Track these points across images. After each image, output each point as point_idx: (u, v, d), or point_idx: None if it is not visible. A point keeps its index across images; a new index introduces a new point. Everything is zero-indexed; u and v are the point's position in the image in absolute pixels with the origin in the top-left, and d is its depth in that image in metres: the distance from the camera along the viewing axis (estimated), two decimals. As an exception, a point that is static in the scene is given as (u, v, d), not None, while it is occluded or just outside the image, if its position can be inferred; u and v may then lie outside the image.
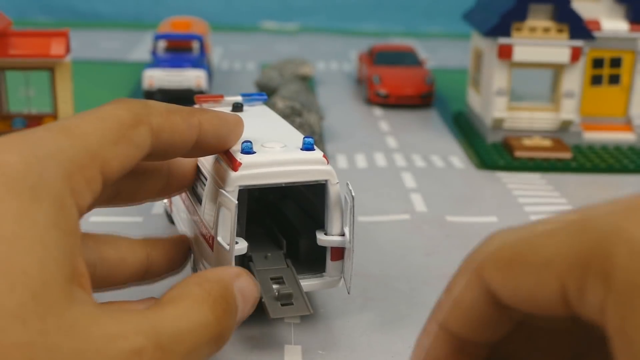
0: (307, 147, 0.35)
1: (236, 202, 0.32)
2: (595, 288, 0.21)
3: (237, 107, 0.41)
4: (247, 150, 0.34)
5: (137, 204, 0.36)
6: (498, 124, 0.66)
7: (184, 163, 0.36)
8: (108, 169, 0.28)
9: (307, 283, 0.36)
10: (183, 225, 0.41)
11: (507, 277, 0.23)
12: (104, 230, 0.35)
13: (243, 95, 0.43)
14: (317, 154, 0.34)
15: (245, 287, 0.31)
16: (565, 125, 0.66)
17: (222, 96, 0.42)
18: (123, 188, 0.33)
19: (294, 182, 0.34)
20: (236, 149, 0.34)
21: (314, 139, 0.35)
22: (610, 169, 0.62)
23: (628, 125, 0.68)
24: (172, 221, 0.45)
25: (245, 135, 0.35)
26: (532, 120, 0.67)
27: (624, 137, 0.68)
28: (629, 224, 0.20)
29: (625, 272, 0.20)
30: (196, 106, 0.41)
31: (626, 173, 0.62)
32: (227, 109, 0.41)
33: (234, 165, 0.33)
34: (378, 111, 0.78)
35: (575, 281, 0.21)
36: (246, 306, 0.31)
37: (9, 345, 0.22)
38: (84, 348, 0.23)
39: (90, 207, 0.28)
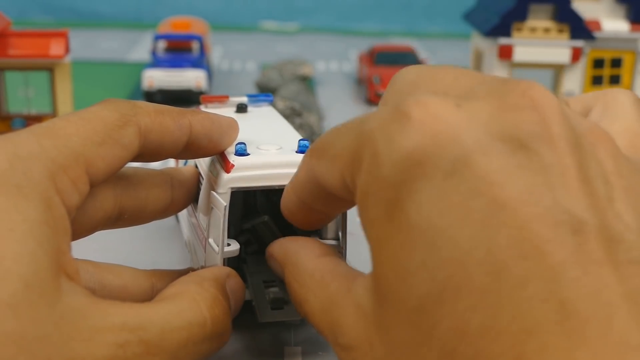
0: (302, 150, 0.34)
1: (225, 203, 0.32)
2: (352, 181, 0.25)
3: (242, 108, 0.41)
4: (241, 152, 0.34)
5: (144, 223, 0.35)
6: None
7: (187, 177, 0.36)
8: (94, 170, 0.28)
9: None
10: (184, 226, 0.41)
11: (317, 167, 0.27)
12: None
13: (249, 96, 0.42)
14: None
15: (234, 287, 0.31)
16: (565, 126, 0.66)
17: (227, 97, 0.42)
18: (127, 208, 0.33)
19: (287, 185, 0.34)
20: (230, 150, 0.34)
21: (309, 142, 0.35)
22: (610, 170, 0.62)
23: (628, 125, 0.68)
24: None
25: (244, 137, 0.35)
26: (533, 120, 0.66)
27: (625, 137, 0.67)
28: (377, 134, 0.23)
29: (364, 176, 0.23)
30: (201, 106, 0.41)
31: (627, 173, 0.62)
32: (232, 110, 0.41)
33: (227, 167, 0.33)
34: (378, 111, 0.78)
35: (347, 174, 0.25)
36: (236, 307, 0.31)
37: (0, 335, 0.22)
38: (71, 339, 0.24)
39: (77, 208, 0.28)
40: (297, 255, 0.30)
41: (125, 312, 0.26)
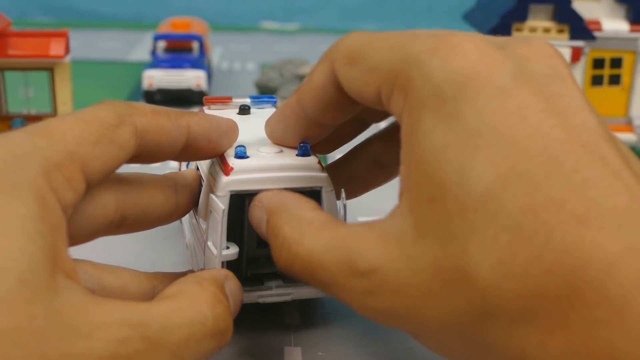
0: (302, 153, 0.34)
1: (223, 206, 0.32)
2: (398, 97, 0.27)
3: (244, 110, 0.41)
4: (241, 154, 0.33)
5: (148, 229, 0.35)
6: (498, 124, 0.66)
7: (190, 180, 0.36)
8: (89, 169, 0.28)
9: (303, 291, 0.35)
10: (186, 228, 0.41)
11: (347, 72, 0.30)
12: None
13: (252, 97, 0.42)
14: (312, 160, 0.34)
15: (233, 288, 0.31)
16: (565, 126, 0.66)
17: (230, 98, 0.42)
18: (129, 214, 0.33)
19: (287, 188, 0.33)
20: (230, 153, 0.34)
21: (309, 144, 0.35)
22: (610, 170, 0.62)
23: (629, 125, 0.68)
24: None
25: (245, 139, 0.35)
26: (533, 120, 0.66)
27: (625, 137, 0.67)
28: (428, 57, 0.26)
29: (417, 92, 0.26)
30: (204, 108, 0.41)
31: (627, 174, 0.62)
32: (235, 111, 0.41)
33: (226, 169, 0.33)
34: (378, 111, 0.78)
35: (385, 88, 0.28)
36: (234, 308, 0.31)
37: None
38: (69, 335, 0.23)
39: (74, 207, 0.28)
40: (290, 205, 0.31)
41: (125, 309, 0.25)
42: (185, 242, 0.41)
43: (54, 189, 0.27)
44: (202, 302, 0.28)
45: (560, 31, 0.64)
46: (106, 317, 0.25)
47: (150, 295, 0.33)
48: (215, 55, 1.01)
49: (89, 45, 1.06)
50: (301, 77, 0.80)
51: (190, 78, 0.75)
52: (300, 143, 0.34)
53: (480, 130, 0.25)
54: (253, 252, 0.36)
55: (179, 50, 0.79)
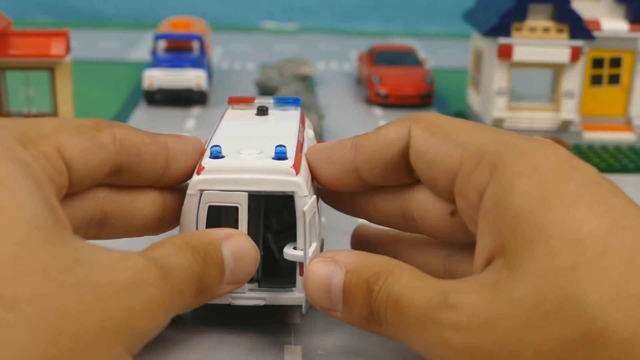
0: (278, 156, 0.34)
1: (194, 205, 0.33)
2: (482, 172, 0.29)
3: (262, 111, 0.41)
4: (215, 154, 0.34)
5: (138, 233, 0.36)
6: (498, 123, 0.66)
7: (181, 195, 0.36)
8: (67, 153, 0.30)
9: (276, 296, 0.35)
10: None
11: (426, 139, 0.32)
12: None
13: (276, 99, 0.42)
14: (286, 164, 0.33)
15: (237, 246, 0.32)
16: (565, 125, 0.66)
17: (254, 98, 0.42)
18: (111, 211, 0.34)
19: (258, 191, 0.33)
20: (206, 153, 0.34)
21: (286, 148, 0.34)
22: (609, 169, 0.62)
23: (628, 125, 0.68)
24: None
25: (241, 140, 0.35)
26: (532, 120, 0.67)
27: (624, 136, 0.68)
28: (523, 142, 0.29)
29: (511, 164, 0.28)
30: (228, 107, 0.42)
31: (626, 173, 0.62)
32: (254, 113, 0.41)
33: (198, 168, 0.33)
34: (378, 111, 0.78)
35: (469, 163, 0.30)
36: (239, 265, 0.32)
37: (24, 273, 0.23)
38: (93, 268, 0.25)
39: (56, 182, 0.29)
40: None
41: (129, 251, 0.27)
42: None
43: (32, 155, 0.28)
44: (185, 250, 0.30)
45: (560, 31, 0.64)
46: (120, 253, 0.27)
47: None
48: (216, 55, 1.01)
49: (89, 45, 1.06)
50: (301, 77, 0.80)
51: (191, 77, 0.75)
52: (277, 146, 0.34)
53: (581, 191, 0.27)
54: None
55: (180, 50, 0.79)
